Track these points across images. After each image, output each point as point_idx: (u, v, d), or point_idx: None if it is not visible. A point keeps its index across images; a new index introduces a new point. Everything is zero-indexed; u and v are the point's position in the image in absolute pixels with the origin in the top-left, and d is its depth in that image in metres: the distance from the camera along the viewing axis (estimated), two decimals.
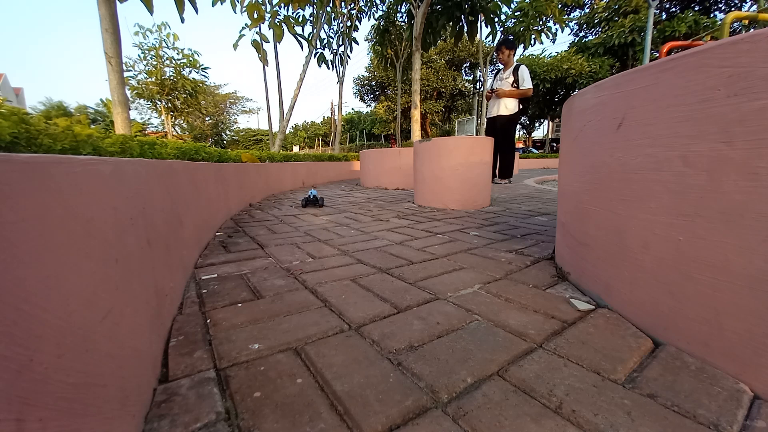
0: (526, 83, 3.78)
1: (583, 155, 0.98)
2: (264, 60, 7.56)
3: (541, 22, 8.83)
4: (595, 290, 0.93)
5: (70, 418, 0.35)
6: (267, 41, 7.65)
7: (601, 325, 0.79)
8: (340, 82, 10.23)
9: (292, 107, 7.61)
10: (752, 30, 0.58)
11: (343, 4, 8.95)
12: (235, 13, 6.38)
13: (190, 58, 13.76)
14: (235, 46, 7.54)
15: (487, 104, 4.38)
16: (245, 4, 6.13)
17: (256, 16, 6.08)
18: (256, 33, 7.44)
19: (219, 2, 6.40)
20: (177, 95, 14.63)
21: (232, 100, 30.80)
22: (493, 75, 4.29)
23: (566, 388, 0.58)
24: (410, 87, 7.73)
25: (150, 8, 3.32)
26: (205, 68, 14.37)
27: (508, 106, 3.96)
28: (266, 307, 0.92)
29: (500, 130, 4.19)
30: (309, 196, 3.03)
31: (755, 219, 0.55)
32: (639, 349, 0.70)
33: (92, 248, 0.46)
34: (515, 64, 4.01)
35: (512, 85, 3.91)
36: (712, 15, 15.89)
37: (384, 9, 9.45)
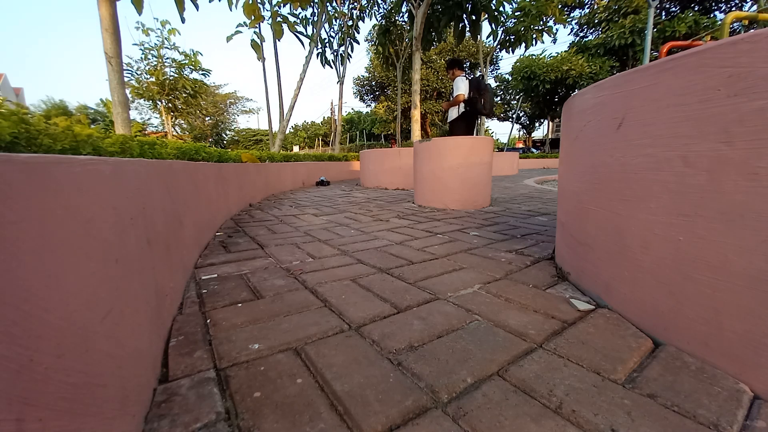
0: (455, 92, 4.31)
1: (583, 155, 0.98)
2: (261, 58, 7.55)
3: (542, 22, 8.84)
4: (595, 290, 0.93)
5: (70, 418, 0.35)
6: (265, 41, 7.64)
7: (601, 325, 0.80)
8: (341, 82, 10.23)
9: (292, 107, 7.61)
10: (752, 30, 0.58)
11: (345, 2, 8.95)
12: (231, 11, 6.36)
13: (192, 59, 13.73)
14: (229, 38, 7.46)
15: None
16: (241, 3, 6.13)
17: (253, 17, 6.09)
18: (254, 33, 7.43)
19: None
20: (177, 95, 14.62)
21: (232, 100, 30.79)
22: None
23: (566, 388, 0.58)
24: (410, 87, 7.72)
25: (139, 9, 3.33)
26: (206, 71, 14.35)
27: (450, 115, 4.55)
28: (266, 307, 0.92)
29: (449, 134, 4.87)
30: (320, 180, 6.00)
31: (755, 219, 0.55)
32: (639, 349, 0.70)
33: (92, 248, 0.46)
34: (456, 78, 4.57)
35: (449, 96, 4.38)
36: (712, 15, 15.87)
37: (385, 8, 9.45)
